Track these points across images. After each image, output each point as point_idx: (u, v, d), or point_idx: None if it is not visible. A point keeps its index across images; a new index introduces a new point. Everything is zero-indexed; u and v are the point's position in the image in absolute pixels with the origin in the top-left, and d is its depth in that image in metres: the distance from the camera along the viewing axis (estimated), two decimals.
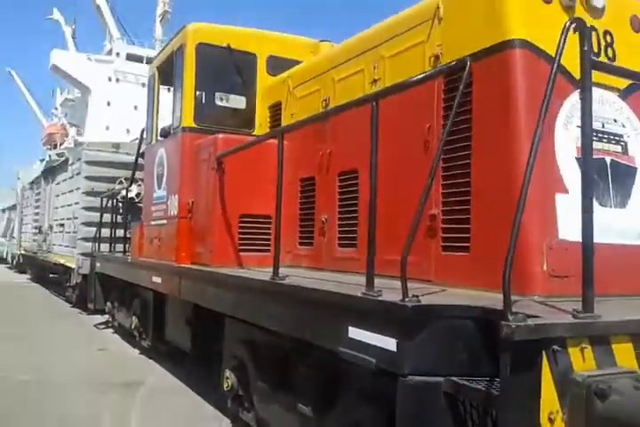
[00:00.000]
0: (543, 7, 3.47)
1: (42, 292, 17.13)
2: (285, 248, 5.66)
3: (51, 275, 16.22)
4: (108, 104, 51.92)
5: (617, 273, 3.37)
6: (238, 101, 6.89)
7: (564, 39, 2.53)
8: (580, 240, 3.11)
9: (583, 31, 2.52)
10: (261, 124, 6.43)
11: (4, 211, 34.25)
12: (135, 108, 45.53)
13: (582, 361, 2.27)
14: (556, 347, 2.19)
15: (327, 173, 5.11)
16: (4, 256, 28.83)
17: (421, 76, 3.30)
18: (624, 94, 3.69)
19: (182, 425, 5.32)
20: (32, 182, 20.80)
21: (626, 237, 3.46)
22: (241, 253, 5.47)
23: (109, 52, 57.69)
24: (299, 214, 5.54)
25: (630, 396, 2.14)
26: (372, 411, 3.04)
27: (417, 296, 2.68)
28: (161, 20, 57.67)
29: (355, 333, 2.99)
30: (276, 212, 4.14)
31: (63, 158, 16.08)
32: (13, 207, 28.36)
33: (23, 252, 21.24)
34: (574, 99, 3.43)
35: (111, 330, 10.44)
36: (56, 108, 64.84)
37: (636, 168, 3.62)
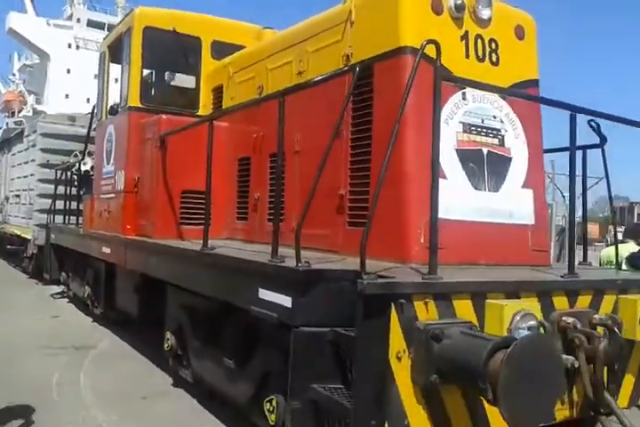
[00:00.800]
0: (434, 18, 4.03)
1: None
2: (225, 222, 6.23)
3: (8, 246, 16.33)
4: (68, 72, 50.84)
5: (487, 246, 4.05)
6: (185, 80, 7.30)
7: (418, 61, 3.06)
8: (455, 218, 3.78)
9: (438, 49, 3.06)
10: (205, 104, 6.89)
11: None
12: (95, 76, 44.45)
13: (426, 312, 2.90)
14: (402, 300, 2.81)
15: (260, 154, 5.64)
16: None
17: (322, 77, 3.81)
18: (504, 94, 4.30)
19: (127, 383, 5.85)
20: None
21: (497, 216, 4.11)
22: (182, 227, 5.97)
23: (70, 18, 56.14)
24: (236, 191, 6.08)
25: (456, 339, 2.77)
26: (277, 358, 3.64)
27: (308, 262, 3.28)
28: None
29: (263, 293, 3.58)
30: (206, 189, 4.66)
31: (21, 127, 16.10)
32: None
33: None
34: (457, 98, 4.05)
35: (66, 299, 10.83)
36: (14, 75, 63.03)
37: (510, 158, 4.26)
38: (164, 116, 6.01)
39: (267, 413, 3.69)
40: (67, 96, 48.88)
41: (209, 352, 4.73)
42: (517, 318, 2.93)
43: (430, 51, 3.92)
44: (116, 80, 7.16)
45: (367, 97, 4.20)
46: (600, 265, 6.53)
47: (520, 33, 4.47)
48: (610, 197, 4.90)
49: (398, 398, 2.80)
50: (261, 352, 3.95)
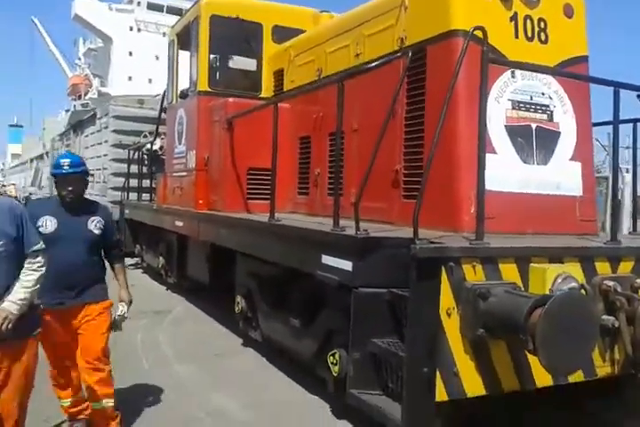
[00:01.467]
0: (484, 1, 4.25)
1: None
2: (288, 197, 6.67)
3: None
4: (130, 54, 52.14)
5: (535, 216, 4.31)
6: (249, 64, 7.72)
7: (466, 47, 3.33)
8: (504, 190, 4.08)
9: (484, 35, 3.33)
10: (267, 87, 7.31)
11: (31, 160, 35.31)
12: (156, 57, 45.39)
13: (474, 274, 3.24)
14: (451, 263, 3.16)
15: (320, 132, 6.01)
16: None
17: (377, 62, 4.14)
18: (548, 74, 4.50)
19: (201, 343, 6.44)
20: (62, 134, 21.89)
21: (545, 188, 4.36)
22: (249, 201, 6.45)
23: (130, 1, 57.42)
24: (298, 168, 6.50)
25: (501, 297, 3.11)
26: (338, 316, 4.06)
27: (367, 231, 3.66)
28: None
29: (326, 259, 3.99)
30: (272, 167, 5.07)
31: (88, 108, 16.91)
32: (40, 157, 29.31)
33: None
34: (506, 76, 4.29)
35: (140, 270, 11.65)
36: (79, 59, 65.19)
37: (559, 132, 4.47)
38: (230, 100, 6.46)
39: (330, 365, 4.12)
40: (129, 78, 50.25)
41: (276, 314, 5.21)
42: (559, 280, 3.24)
43: (480, 33, 4.23)
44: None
45: (420, 78, 4.49)
46: None
47: (569, 11, 4.62)
48: (634, 169, 5.02)
49: (448, 349, 3.17)
50: (324, 312, 4.38)
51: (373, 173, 4.92)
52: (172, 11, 47.01)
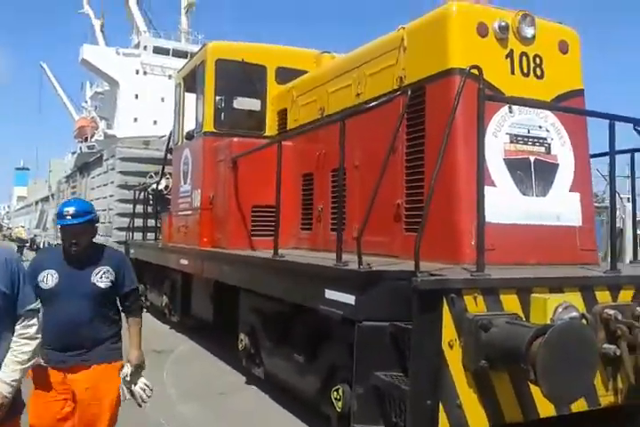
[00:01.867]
0: (480, 40, 4.40)
1: None
2: (291, 233, 6.73)
3: None
4: (136, 97, 53.23)
5: (536, 247, 4.35)
6: (253, 104, 7.92)
7: (463, 84, 3.45)
8: (504, 222, 4.13)
9: (480, 73, 3.44)
10: (271, 126, 7.47)
11: (37, 203, 35.60)
12: (162, 99, 46.11)
13: (475, 305, 3.26)
14: (453, 295, 3.18)
15: (322, 170, 6.11)
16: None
17: (377, 102, 4.27)
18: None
19: (205, 381, 6.38)
20: (68, 176, 22.21)
21: (545, 219, 4.41)
22: (253, 238, 6.50)
23: (137, 46, 59.01)
24: (301, 204, 6.58)
25: (503, 328, 3.11)
26: (342, 351, 4.04)
27: (369, 265, 3.70)
28: (186, 12, 58.73)
29: (329, 294, 4.02)
30: (276, 203, 5.15)
31: (94, 150, 17.24)
32: (46, 199, 29.61)
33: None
34: (504, 111, 4.40)
35: (144, 310, 11.58)
36: (86, 102, 66.60)
37: (557, 164, 4.55)
38: (235, 140, 6.60)
39: (334, 401, 4.09)
40: (135, 120, 51.17)
41: (280, 350, 5.19)
42: (560, 309, 3.26)
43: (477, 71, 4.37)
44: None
45: (420, 115, 4.61)
46: None
47: (564, 47, 4.77)
48: (633, 199, 5.09)
49: (451, 382, 3.15)
50: (328, 347, 4.37)
51: (375, 208, 5.00)
52: (178, 54, 48.28)
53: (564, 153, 4.59)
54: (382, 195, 4.96)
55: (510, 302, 3.36)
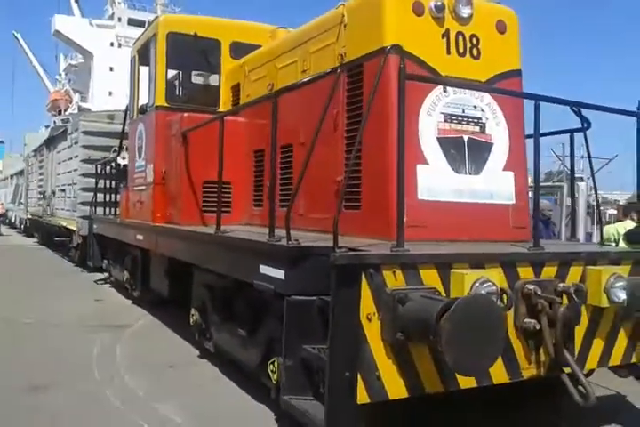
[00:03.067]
0: (415, 19, 4.42)
1: (48, 253, 18.39)
2: (244, 209, 6.78)
3: (56, 238, 17.25)
4: (111, 69, 52.24)
5: (468, 224, 4.46)
6: (207, 79, 7.86)
7: (383, 62, 3.50)
8: (437, 199, 4.21)
9: (401, 53, 3.48)
10: (225, 101, 7.44)
11: (12, 177, 35.10)
12: None
13: (394, 280, 3.35)
14: (371, 270, 3.27)
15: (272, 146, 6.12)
16: (13, 221, 30.13)
17: (305, 79, 4.34)
18: (486, 84, 4.67)
19: (157, 355, 6.47)
20: (35, 150, 21.87)
21: (478, 197, 4.51)
22: (205, 214, 6.53)
23: (111, 17, 57.71)
24: (253, 181, 6.61)
25: (417, 301, 3.22)
26: (277, 325, 4.14)
27: (298, 241, 3.77)
28: None
29: (263, 269, 4.10)
30: (218, 179, 5.19)
31: (67, 125, 16.98)
32: (20, 173, 29.21)
33: (30, 216, 22.46)
34: (438, 90, 4.45)
35: (109, 285, 11.64)
36: (60, 75, 65.22)
37: (492, 143, 4.64)
38: (185, 114, 6.57)
39: (270, 373, 4.21)
40: (110, 93, 50.30)
41: (226, 324, 5.29)
42: (477, 284, 3.36)
43: (413, 48, 4.41)
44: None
45: (359, 92, 4.65)
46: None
47: (501, 27, 4.81)
48: (593, 178, 5.22)
49: (369, 354, 3.26)
50: (266, 321, 4.47)
51: (320, 185, 5.10)
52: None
53: (498, 133, 4.67)
54: (324, 172, 5.04)
55: (430, 277, 3.45)
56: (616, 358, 4.18)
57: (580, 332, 3.97)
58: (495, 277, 3.46)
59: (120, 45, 54.44)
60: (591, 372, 4.45)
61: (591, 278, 3.94)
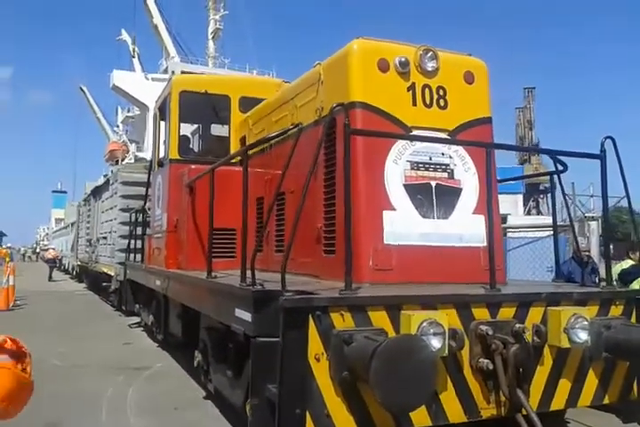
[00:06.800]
0: (381, 75, 4.74)
1: (93, 298, 19.16)
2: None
3: (103, 283, 17.95)
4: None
5: (437, 266, 4.62)
6: (218, 132, 8.37)
7: (347, 117, 3.77)
8: (404, 244, 4.42)
9: (346, 111, 3.78)
10: None
11: (72, 225, 36.80)
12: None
13: (342, 321, 3.55)
14: (318, 312, 3.48)
15: (270, 194, 6.48)
16: (66, 267, 31.49)
17: (270, 135, 4.70)
18: (453, 133, 4.91)
19: (166, 397, 6.72)
20: (85, 199, 23.07)
21: (447, 240, 4.68)
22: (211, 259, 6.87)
23: (165, 71, 60.80)
24: (255, 227, 6.95)
25: (360, 342, 3.40)
26: None
27: (262, 285, 4.03)
28: (213, 37, 60.30)
29: (238, 312, 4.35)
30: (209, 228, 5.53)
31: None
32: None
33: (79, 263, 23.50)
34: (404, 141, 4.71)
35: (141, 329, 12.07)
36: (117, 126, 68.59)
37: (460, 188, 4.83)
38: (192, 166, 7.04)
39: (248, 412, 4.40)
40: (164, 142, 52.43)
41: (219, 366, 5.52)
42: (424, 324, 3.52)
43: (379, 102, 4.72)
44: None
45: (333, 143, 4.96)
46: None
47: (469, 78, 5.07)
48: (570, 218, 5.31)
49: (318, 392, 3.44)
50: (245, 361, 4.68)
51: (303, 231, 5.37)
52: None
53: (467, 178, 4.86)
54: (308, 219, 5.32)
55: (379, 318, 3.63)
56: (586, 398, 4.19)
57: (543, 372, 4.04)
58: (443, 319, 3.61)
59: None
60: (562, 412, 4.44)
61: (552, 319, 4.01)
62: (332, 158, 4.97)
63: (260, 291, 3.98)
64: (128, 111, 65.28)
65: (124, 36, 61.91)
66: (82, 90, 69.27)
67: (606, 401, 4.25)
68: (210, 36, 59.82)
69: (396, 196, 4.58)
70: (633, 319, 4.43)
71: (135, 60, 62.28)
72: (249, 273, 4.28)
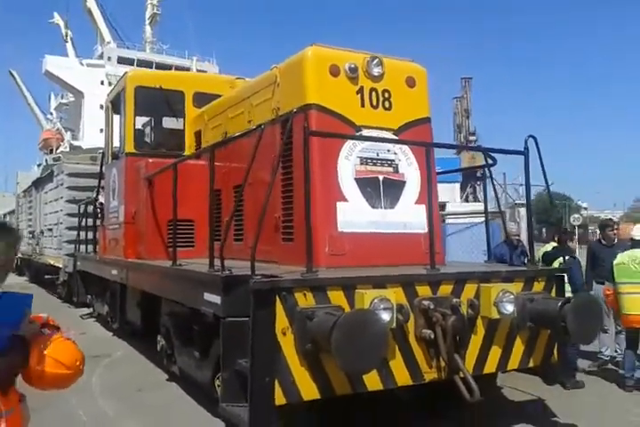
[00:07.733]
0: (332, 80, 5.21)
1: (37, 291, 18.91)
2: (205, 244, 7.46)
3: (46, 276, 17.75)
4: (101, 107, 53.11)
5: (384, 251, 5.17)
6: (172, 126, 8.66)
7: (291, 119, 4.24)
8: (354, 231, 4.93)
9: (307, 114, 4.25)
10: (190, 146, 8.23)
11: (4, 216, 35.58)
12: None
13: (305, 300, 4.04)
14: (284, 293, 3.96)
15: (227, 186, 6.88)
16: None
17: (237, 134, 5.10)
18: (397, 132, 5.45)
19: (129, 380, 7.07)
20: (25, 191, 22.58)
21: (392, 227, 5.23)
22: (170, 249, 7.21)
23: (101, 56, 59.09)
24: (214, 217, 7.32)
25: (321, 317, 3.90)
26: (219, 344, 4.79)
27: (230, 271, 4.47)
28: (150, 22, 58.99)
29: (206, 296, 4.77)
30: (173, 218, 5.88)
31: (57, 163, 17.70)
32: (12, 212, 29.75)
33: (20, 255, 23.00)
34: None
35: (93, 319, 12.20)
36: (51, 113, 66.23)
37: (404, 181, 5.39)
38: (150, 160, 7.33)
39: (217, 388, 4.85)
40: (101, 130, 51.08)
41: (185, 348, 5.92)
42: (376, 301, 4.06)
43: (331, 104, 5.20)
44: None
45: (289, 141, 5.40)
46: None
47: (411, 82, 5.62)
48: (499, 206, 5.99)
49: (285, 362, 3.93)
50: (213, 341, 5.12)
51: (263, 220, 5.82)
52: (143, 64, 48.33)
53: (410, 172, 5.43)
54: (267, 209, 5.77)
55: (337, 297, 4.15)
56: (514, 362, 4.86)
57: (477, 340, 4.67)
58: (392, 296, 4.15)
59: (110, 83, 55.53)
60: (494, 375, 5.10)
61: (483, 294, 4.64)
62: (289, 155, 5.42)
63: (230, 276, 4.42)
64: (62, 98, 63.17)
65: (57, 19, 59.76)
66: (11, 74, 66.38)
67: (531, 364, 4.93)
68: (147, 22, 58.53)
69: (347, 188, 5.09)
70: (553, 293, 5.12)
71: (69, 45, 60.21)
72: (217, 261, 4.71)
